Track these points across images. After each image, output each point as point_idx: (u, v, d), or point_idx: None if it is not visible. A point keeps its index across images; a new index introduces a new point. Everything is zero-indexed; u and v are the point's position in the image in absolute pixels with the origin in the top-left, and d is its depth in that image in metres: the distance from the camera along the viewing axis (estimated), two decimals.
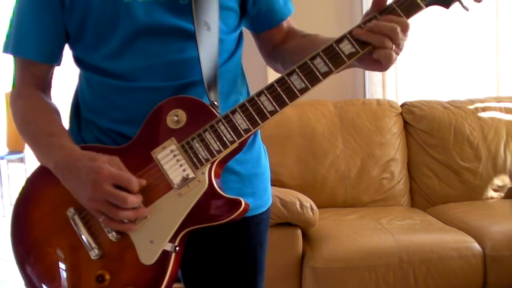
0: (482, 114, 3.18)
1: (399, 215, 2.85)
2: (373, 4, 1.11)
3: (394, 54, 1.08)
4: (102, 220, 1.11)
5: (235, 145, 1.13)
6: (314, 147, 3.03)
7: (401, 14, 1.09)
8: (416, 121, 3.15)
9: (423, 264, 2.44)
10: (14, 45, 1.23)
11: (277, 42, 1.33)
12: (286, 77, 1.11)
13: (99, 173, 1.08)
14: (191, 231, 1.14)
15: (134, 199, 1.09)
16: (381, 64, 1.10)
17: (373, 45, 1.08)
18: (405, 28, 1.07)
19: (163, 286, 1.12)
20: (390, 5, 1.10)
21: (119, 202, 1.07)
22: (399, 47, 1.09)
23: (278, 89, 1.11)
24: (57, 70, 1.29)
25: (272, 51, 1.34)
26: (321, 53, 1.10)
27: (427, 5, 1.10)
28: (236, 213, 1.11)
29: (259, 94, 1.12)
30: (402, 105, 3.23)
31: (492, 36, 3.43)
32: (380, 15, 1.09)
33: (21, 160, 5.41)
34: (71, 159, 1.13)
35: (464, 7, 1.12)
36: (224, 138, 1.12)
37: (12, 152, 5.39)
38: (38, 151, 1.21)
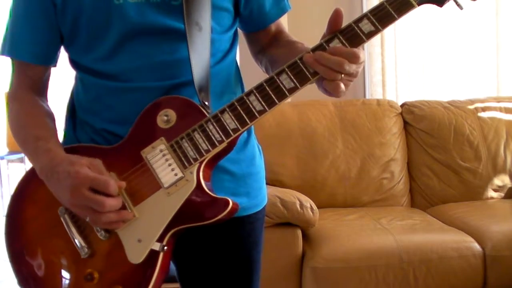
0: (482, 114, 3.18)
1: (399, 215, 2.85)
2: (328, 27, 1.10)
3: (341, 85, 1.07)
4: (88, 220, 1.12)
5: (224, 144, 1.12)
6: (314, 147, 3.03)
7: (393, 13, 1.07)
8: (416, 121, 3.15)
9: (423, 264, 2.43)
10: (10, 47, 1.24)
11: (265, 44, 1.34)
12: (275, 77, 1.11)
13: (76, 178, 1.08)
14: (180, 230, 1.14)
15: (112, 203, 1.08)
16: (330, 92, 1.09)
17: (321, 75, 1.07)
18: (353, 59, 1.05)
19: (150, 286, 1.13)
20: (382, 3, 1.09)
21: (96, 206, 1.07)
22: (351, 76, 1.08)
23: (267, 88, 1.11)
24: (54, 72, 1.30)
25: (259, 53, 1.35)
26: (311, 53, 1.10)
27: (419, 4, 1.09)
28: (224, 213, 1.11)
29: (248, 93, 1.12)
30: (402, 105, 3.23)
31: (492, 36, 3.43)
32: (371, 15, 1.09)
33: (21, 160, 5.42)
34: (53, 164, 1.13)
35: (458, 5, 1.11)
36: (213, 137, 1.12)
37: (12, 152, 5.40)
38: (28, 155, 1.21)
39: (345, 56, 1.05)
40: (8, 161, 5.55)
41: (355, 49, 1.07)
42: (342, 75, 1.06)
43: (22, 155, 5.32)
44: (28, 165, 5.24)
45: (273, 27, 1.33)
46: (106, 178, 1.09)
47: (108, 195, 1.08)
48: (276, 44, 1.32)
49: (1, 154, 5.39)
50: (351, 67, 1.06)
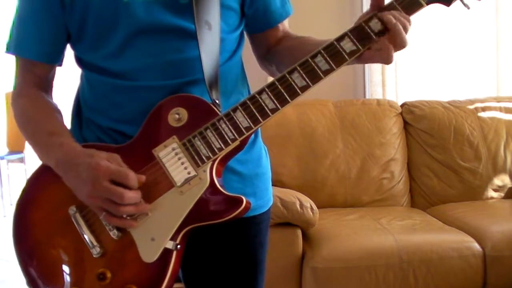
0: (482, 114, 3.18)
1: (399, 215, 2.85)
2: (372, 4, 1.11)
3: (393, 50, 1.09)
4: (103, 217, 1.12)
5: (237, 142, 1.13)
6: (314, 147, 3.03)
7: (402, 12, 1.09)
8: (416, 121, 3.15)
9: (423, 264, 2.44)
10: (15, 45, 1.24)
11: (272, 45, 1.34)
12: (287, 75, 1.11)
13: (97, 169, 1.08)
14: (193, 229, 1.14)
15: (132, 195, 1.09)
16: (380, 56, 1.10)
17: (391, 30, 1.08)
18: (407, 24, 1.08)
19: (164, 285, 1.12)
20: (391, 3, 1.10)
21: (116, 198, 1.07)
22: (402, 43, 1.09)
23: (279, 86, 1.11)
24: (59, 70, 1.30)
25: (266, 54, 1.35)
26: (322, 51, 1.11)
27: (428, 3, 1.10)
28: (238, 211, 1.11)
29: (260, 92, 1.12)
30: (402, 105, 3.23)
31: (492, 36, 3.43)
32: (380, 13, 1.09)
33: (21, 160, 5.41)
34: (71, 157, 1.13)
35: (465, 4, 1.11)
36: (226, 136, 1.12)
37: (12, 152, 5.39)
38: (39, 150, 1.21)
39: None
40: (8, 161, 5.55)
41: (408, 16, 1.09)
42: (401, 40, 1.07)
43: (22, 155, 5.33)
44: (28, 165, 5.20)
45: (280, 26, 1.33)
46: (127, 171, 1.09)
47: (128, 187, 1.08)
48: (286, 40, 1.32)
49: (1, 154, 5.37)
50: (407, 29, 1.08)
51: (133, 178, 1.09)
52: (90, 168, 1.09)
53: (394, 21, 1.07)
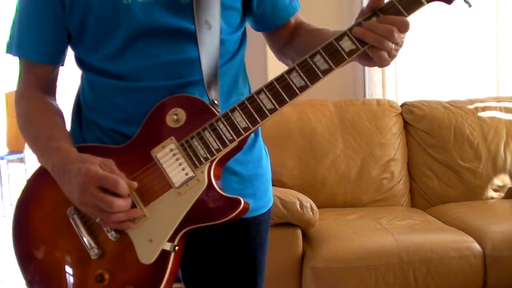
0: (482, 114, 3.18)
1: (399, 215, 2.85)
2: (370, 3, 1.10)
3: (387, 55, 1.08)
4: (99, 220, 1.11)
5: (235, 143, 1.12)
6: (314, 147, 3.03)
7: (402, 10, 1.08)
8: (416, 121, 3.15)
9: (423, 264, 2.44)
10: (17, 47, 1.23)
11: (286, 39, 1.33)
12: (285, 75, 1.10)
13: (86, 175, 1.07)
14: (191, 230, 1.13)
15: (121, 203, 1.07)
16: (376, 62, 1.10)
17: (370, 44, 1.08)
18: (404, 28, 1.06)
19: (162, 286, 1.12)
20: (391, 1, 1.09)
21: (105, 206, 1.06)
22: (397, 45, 1.08)
23: (277, 86, 1.10)
24: (60, 70, 1.29)
25: (282, 48, 1.34)
26: (320, 51, 1.10)
27: (428, 1, 1.09)
28: (235, 212, 1.11)
29: (258, 92, 1.11)
30: (402, 105, 3.23)
31: (492, 36, 3.43)
32: (380, 12, 1.08)
33: (21, 160, 5.42)
34: (65, 162, 1.12)
35: (467, 2, 1.11)
36: (224, 137, 1.12)
37: (12, 152, 5.39)
38: (38, 154, 1.20)
39: (395, 24, 1.06)
40: (8, 161, 5.55)
41: (405, 18, 1.07)
42: (392, 45, 1.06)
43: (22, 155, 5.33)
44: (28, 165, 5.20)
45: (292, 20, 1.32)
46: (116, 178, 1.08)
47: (118, 194, 1.07)
48: (299, 34, 1.31)
49: (1, 154, 5.38)
50: (399, 36, 1.06)
51: (122, 185, 1.07)
52: (80, 174, 1.08)
53: (372, 35, 1.06)
